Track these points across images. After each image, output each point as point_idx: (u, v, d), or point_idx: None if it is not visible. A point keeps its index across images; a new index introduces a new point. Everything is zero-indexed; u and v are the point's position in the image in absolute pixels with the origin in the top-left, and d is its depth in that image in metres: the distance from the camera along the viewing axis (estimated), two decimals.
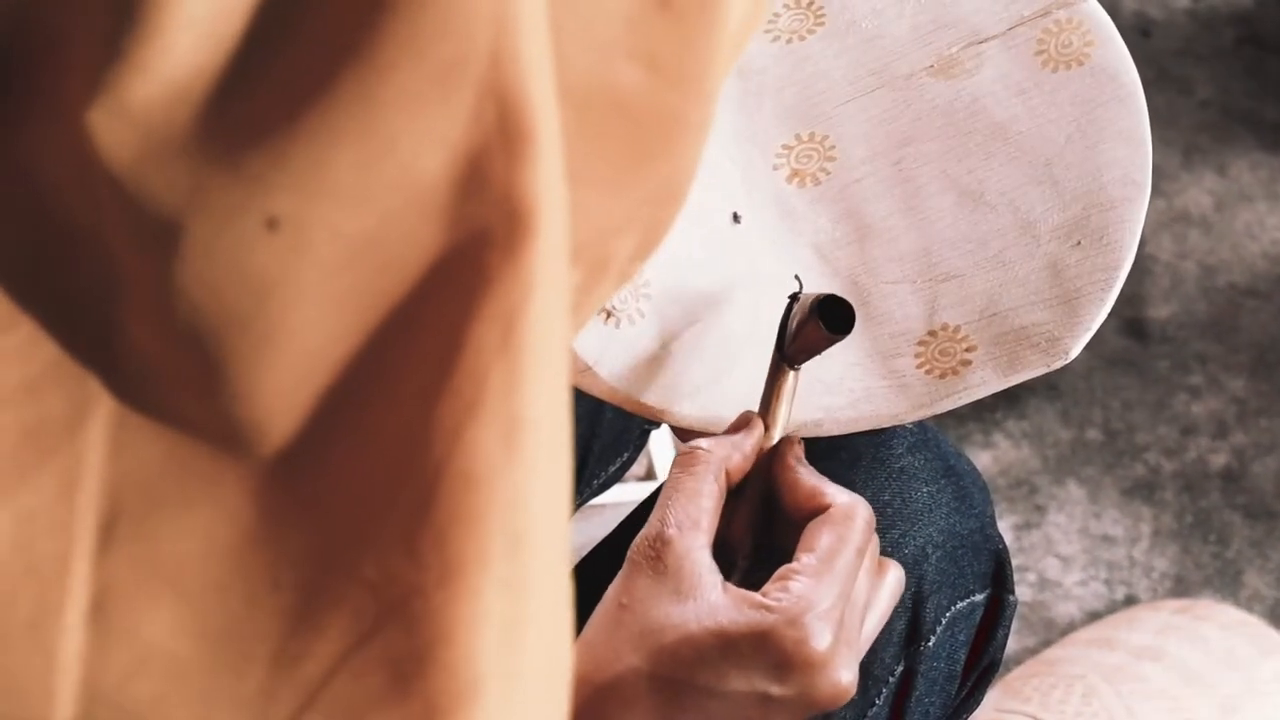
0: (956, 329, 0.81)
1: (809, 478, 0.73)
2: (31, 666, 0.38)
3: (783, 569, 0.69)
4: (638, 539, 0.70)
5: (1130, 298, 1.75)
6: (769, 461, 0.75)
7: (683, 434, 0.85)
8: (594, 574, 0.74)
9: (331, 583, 0.39)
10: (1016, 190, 0.83)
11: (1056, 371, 0.79)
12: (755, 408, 0.79)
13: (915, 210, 0.84)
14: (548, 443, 0.39)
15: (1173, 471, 1.64)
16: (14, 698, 0.38)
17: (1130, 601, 1.57)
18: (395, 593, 0.38)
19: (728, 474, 0.73)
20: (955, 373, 0.80)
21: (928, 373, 0.80)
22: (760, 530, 0.74)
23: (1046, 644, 1.53)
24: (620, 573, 0.71)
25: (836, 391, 0.81)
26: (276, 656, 0.39)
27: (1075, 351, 0.78)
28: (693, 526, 0.70)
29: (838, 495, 0.71)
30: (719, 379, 0.82)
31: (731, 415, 0.81)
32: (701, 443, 0.73)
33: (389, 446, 0.38)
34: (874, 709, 0.85)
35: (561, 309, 0.40)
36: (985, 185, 0.83)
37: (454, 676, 0.38)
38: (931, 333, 0.81)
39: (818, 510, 0.71)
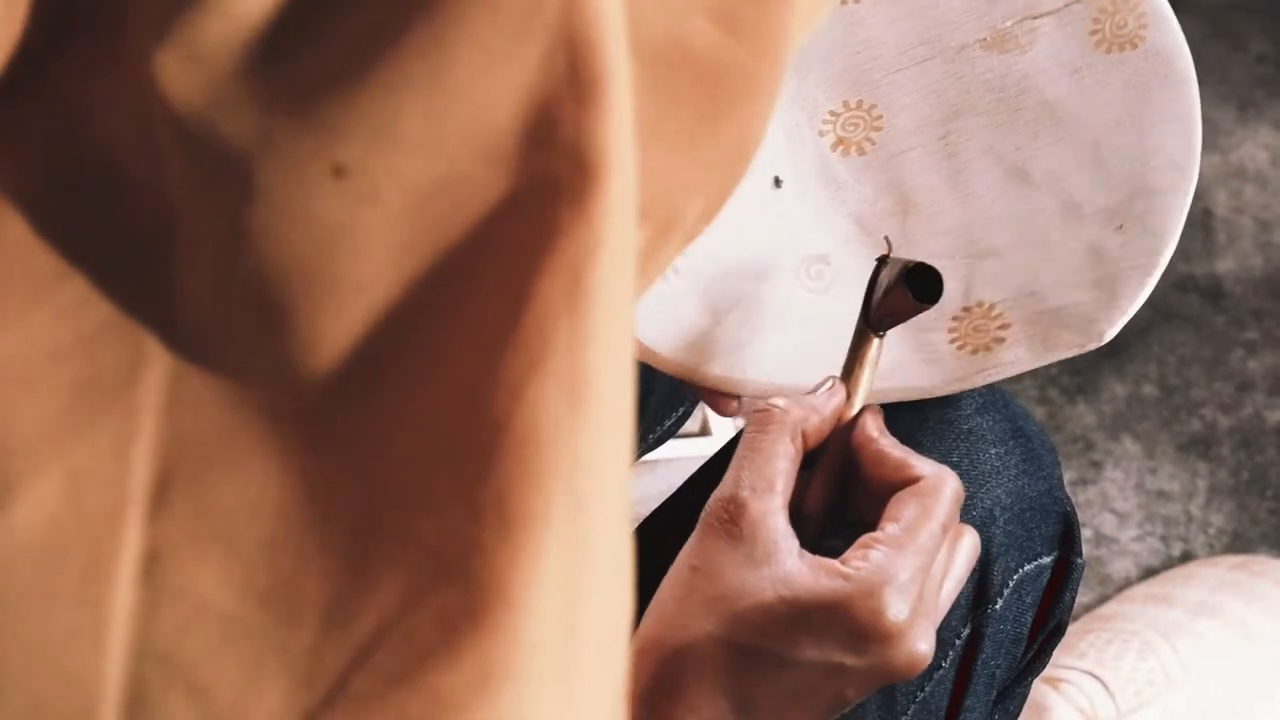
0: (992, 306, 0.80)
1: (895, 449, 0.71)
2: (81, 623, 0.38)
3: (865, 537, 0.67)
4: (711, 500, 0.69)
5: (1186, 253, 1.74)
6: (848, 431, 0.72)
7: (707, 397, 0.84)
8: (658, 533, 0.73)
9: (386, 540, 0.38)
10: (1063, 171, 0.82)
11: None
12: (787, 374, 0.78)
13: (960, 185, 0.83)
14: (612, 402, 0.39)
15: (1229, 427, 1.63)
16: (64, 653, 0.38)
17: (1187, 558, 1.56)
18: (453, 550, 0.38)
19: (804, 437, 0.71)
20: (988, 349, 0.79)
21: (960, 348, 0.79)
22: (836, 501, 0.72)
23: (1102, 600, 1.52)
24: (693, 535, 0.69)
25: None
26: (327, 615, 0.38)
27: (1110, 334, 0.77)
28: (768, 489, 0.68)
29: (925, 467, 0.69)
30: (751, 342, 0.81)
31: (760, 380, 0.79)
32: (778, 401, 0.71)
33: (449, 401, 0.38)
34: (940, 671, 0.84)
35: (629, 264, 0.39)
36: (1031, 164, 0.82)
37: (511, 639, 0.37)
38: (966, 309, 0.80)
39: (905, 483, 0.69)
